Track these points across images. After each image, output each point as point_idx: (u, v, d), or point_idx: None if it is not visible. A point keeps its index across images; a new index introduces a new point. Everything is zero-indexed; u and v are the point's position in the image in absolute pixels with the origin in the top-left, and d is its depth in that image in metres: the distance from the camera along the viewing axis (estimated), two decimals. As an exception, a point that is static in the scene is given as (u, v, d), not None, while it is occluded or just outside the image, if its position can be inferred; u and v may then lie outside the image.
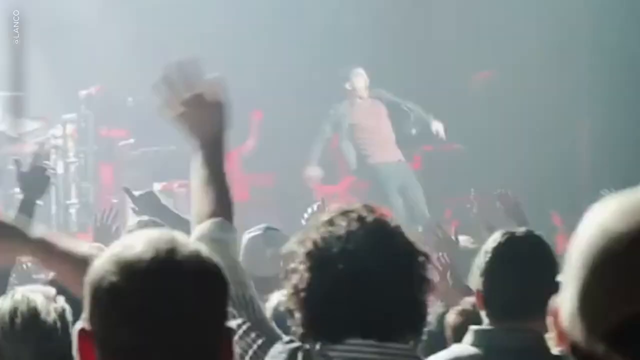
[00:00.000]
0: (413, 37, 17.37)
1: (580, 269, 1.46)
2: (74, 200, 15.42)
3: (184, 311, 2.07)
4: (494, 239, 4.00)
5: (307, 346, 3.03)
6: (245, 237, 6.84)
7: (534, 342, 3.63)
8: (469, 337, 3.73)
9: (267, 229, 7.18)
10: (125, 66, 16.91)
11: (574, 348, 1.47)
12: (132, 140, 16.36)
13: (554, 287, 3.40)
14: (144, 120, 16.00)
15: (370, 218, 2.90)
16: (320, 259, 2.94)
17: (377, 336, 2.91)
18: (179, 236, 2.19)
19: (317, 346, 3.00)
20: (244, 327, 3.18)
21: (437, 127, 14.79)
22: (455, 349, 3.81)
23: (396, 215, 12.58)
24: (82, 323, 2.16)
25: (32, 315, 3.69)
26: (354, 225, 2.87)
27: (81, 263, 3.00)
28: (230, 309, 2.47)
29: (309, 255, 2.94)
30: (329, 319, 2.98)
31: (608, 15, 17.07)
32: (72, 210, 15.36)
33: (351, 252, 2.89)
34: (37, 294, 3.83)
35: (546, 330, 3.49)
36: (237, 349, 2.88)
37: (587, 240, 1.48)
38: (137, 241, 2.12)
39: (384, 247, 2.90)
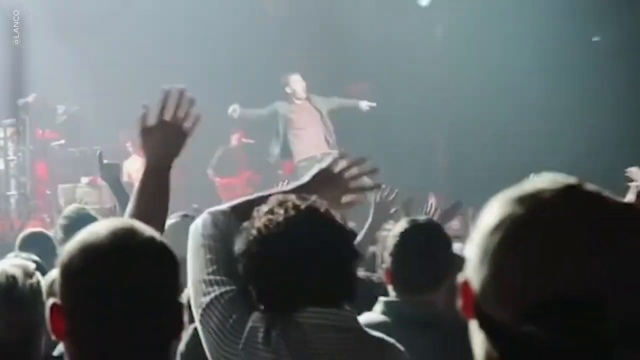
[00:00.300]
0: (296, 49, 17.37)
1: (493, 249, 1.49)
2: (13, 191, 15.82)
3: (138, 287, 2.15)
4: (401, 225, 4.18)
5: (281, 315, 3.12)
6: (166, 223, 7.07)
7: (431, 311, 3.81)
8: (378, 307, 3.87)
9: (184, 216, 7.18)
10: (57, 79, 17.23)
11: (484, 319, 1.51)
12: (62, 141, 16.56)
13: (449, 267, 3.72)
14: (73, 124, 17.14)
15: (304, 205, 3.01)
16: (265, 242, 3.04)
17: (326, 304, 3.04)
18: (137, 224, 2.29)
19: (285, 315, 3.10)
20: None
21: (364, 105, 15.14)
22: (367, 316, 3.84)
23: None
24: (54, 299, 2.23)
25: (9, 288, 3.51)
26: (291, 212, 2.98)
27: None
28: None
29: (255, 240, 3.06)
30: (280, 292, 3.08)
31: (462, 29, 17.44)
32: (12, 200, 15.71)
33: (291, 234, 3.01)
34: (16, 267, 3.67)
35: (441, 302, 3.80)
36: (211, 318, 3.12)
37: (497, 224, 1.51)
38: (101, 227, 2.21)
39: (319, 228, 3.00)
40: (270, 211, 3.02)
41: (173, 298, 2.21)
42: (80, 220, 6.53)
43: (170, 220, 6.41)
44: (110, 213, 9.75)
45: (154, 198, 3.55)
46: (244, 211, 3.25)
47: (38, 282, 3.46)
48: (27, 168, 16.11)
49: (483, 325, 1.50)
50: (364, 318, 3.68)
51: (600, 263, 1.43)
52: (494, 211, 1.53)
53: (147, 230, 2.24)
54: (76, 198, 13.60)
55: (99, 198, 14.88)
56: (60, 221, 6.93)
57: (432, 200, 10.03)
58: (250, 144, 16.43)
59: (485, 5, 17.43)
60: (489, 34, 16.48)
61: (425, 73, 16.77)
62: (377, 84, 17.55)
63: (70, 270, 2.16)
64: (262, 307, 3.13)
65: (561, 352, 1.39)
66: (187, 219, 6.60)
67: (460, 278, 1.55)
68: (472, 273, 1.52)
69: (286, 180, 11.50)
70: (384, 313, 3.78)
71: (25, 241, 7.04)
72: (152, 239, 2.22)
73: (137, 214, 3.41)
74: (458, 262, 3.96)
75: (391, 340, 3.15)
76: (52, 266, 4.54)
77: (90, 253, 2.13)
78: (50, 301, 2.18)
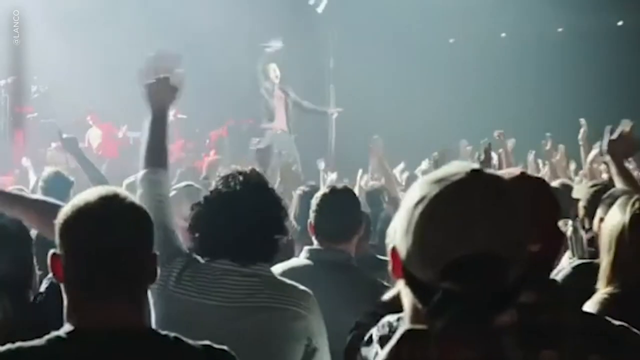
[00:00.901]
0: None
1: (415, 222, 1.49)
2: None
3: (119, 241, 2.14)
4: (323, 189, 4.26)
5: (199, 258, 3.11)
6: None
7: (344, 257, 3.80)
8: (303, 254, 3.83)
9: (187, 185, 6.68)
10: (33, 63, 16.27)
11: (410, 279, 1.51)
12: (35, 114, 16.17)
13: (358, 223, 3.88)
14: (44, 101, 16.48)
15: (253, 180, 3.02)
16: (210, 202, 3.09)
17: (243, 259, 3.01)
18: (121, 191, 2.26)
19: (204, 260, 3.08)
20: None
21: (333, 110, 14.92)
22: (294, 261, 3.84)
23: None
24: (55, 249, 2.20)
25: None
26: (238, 180, 2.99)
27: (36, 206, 3.24)
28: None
29: (205, 198, 3.12)
30: (207, 242, 3.08)
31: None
32: None
33: (230, 200, 3.02)
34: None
35: (352, 250, 3.86)
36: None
37: (417, 201, 1.51)
38: (91, 193, 2.20)
39: (256, 196, 2.99)
40: (225, 178, 3.04)
41: (148, 250, 2.18)
42: (55, 181, 6.51)
43: (173, 191, 6.38)
44: (73, 172, 9.66)
45: (161, 133, 3.49)
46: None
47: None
48: (8, 136, 15.76)
49: (409, 284, 1.51)
50: (291, 262, 3.78)
51: (498, 230, 1.45)
52: (415, 191, 1.53)
53: (128, 196, 2.22)
54: (47, 160, 13.01)
55: (65, 160, 14.45)
56: (40, 184, 6.68)
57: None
58: (183, 118, 15.75)
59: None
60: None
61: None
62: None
63: (65, 227, 2.14)
64: (195, 249, 3.13)
65: (472, 301, 1.39)
66: (190, 187, 6.40)
67: (389, 246, 1.56)
68: (399, 241, 1.52)
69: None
70: (307, 258, 3.76)
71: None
72: (132, 203, 2.20)
73: (152, 145, 3.43)
74: (365, 219, 4.29)
75: (293, 283, 3.12)
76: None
77: (81, 213, 2.13)
78: (51, 251, 2.17)
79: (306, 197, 4.97)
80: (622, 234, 2.91)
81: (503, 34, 17.19)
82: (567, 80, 15.20)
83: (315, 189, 5.18)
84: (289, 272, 3.45)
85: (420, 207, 1.50)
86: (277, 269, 3.44)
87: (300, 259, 3.82)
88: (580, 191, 4.70)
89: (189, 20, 15.44)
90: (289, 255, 4.03)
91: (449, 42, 17.60)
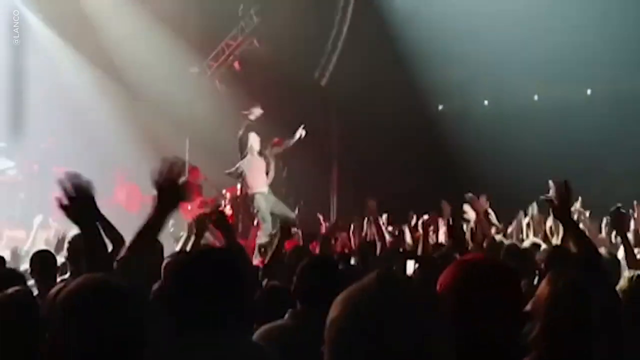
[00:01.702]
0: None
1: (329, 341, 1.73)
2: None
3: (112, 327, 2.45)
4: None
5: None
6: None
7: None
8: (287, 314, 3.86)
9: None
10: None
11: None
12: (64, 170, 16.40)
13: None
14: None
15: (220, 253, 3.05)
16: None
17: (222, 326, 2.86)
18: (113, 280, 2.55)
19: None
20: None
21: (299, 133, 14.38)
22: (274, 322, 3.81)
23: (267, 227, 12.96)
24: None
25: None
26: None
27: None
28: None
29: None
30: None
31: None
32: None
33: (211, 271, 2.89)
34: None
35: None
36: None
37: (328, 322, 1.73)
38: (85, 282, 2.50)
39: (228, 271, 2.87)
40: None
41: (140, 332, 2.53)
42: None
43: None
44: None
45: (154, 234, 3.38)
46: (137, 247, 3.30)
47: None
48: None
49: None
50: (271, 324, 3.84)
51: (398, 340, 1.67)
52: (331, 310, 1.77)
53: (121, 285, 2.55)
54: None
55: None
56: (67, 245, 6.43)
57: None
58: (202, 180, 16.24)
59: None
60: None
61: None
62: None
63: (67, 310, 2.49)
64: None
65: None
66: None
67: None
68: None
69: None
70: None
71: None
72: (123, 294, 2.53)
73: (136, 246, 3.32)
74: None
75: (260, 344, 3.28)
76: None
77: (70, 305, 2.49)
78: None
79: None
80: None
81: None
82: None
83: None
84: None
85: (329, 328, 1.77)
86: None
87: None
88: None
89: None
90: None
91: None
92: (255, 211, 13.86)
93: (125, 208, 16.21)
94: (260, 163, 14.05)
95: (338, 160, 17.73)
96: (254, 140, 14.05)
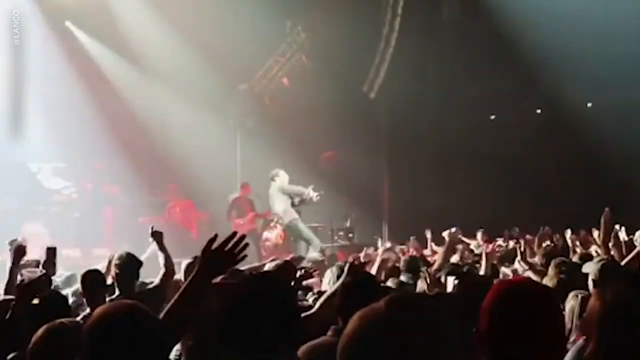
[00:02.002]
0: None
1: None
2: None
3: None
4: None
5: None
6: (183, 263, 7.25)
7: None
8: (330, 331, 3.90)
9: (196, 257, 6.38)
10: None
11: None
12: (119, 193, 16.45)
13: None
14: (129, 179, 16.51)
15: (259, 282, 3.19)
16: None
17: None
18: (137, 308, 2.59)
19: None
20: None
21: (311, 194, 14.01)
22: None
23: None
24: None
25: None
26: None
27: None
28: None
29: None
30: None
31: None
32: None
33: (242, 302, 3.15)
34: None
35: None
36: None
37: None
38: (109, 312, 2.60)
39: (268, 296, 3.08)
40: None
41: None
42: (128, 261, 6.69)
43: (186, 261, 7.14)
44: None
45: (196, 300, 3.27)
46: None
47: None
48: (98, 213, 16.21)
49: None
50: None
51: None
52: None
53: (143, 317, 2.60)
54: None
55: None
56: (115, 262, 6.81)
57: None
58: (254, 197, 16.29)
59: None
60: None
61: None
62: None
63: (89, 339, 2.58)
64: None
65: None
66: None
67: None
68: None
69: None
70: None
71: None
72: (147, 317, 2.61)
73: (178, 309, 3.22)
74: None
75: None
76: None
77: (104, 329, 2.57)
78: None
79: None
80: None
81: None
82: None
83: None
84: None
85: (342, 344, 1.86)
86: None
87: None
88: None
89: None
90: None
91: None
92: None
93: (181, 225, 16.41)
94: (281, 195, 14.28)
95: (388, 173, 17.57)
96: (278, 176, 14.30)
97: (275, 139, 16.53)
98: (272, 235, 16.12)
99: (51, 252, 6.91)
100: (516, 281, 2.53)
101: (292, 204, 14.28)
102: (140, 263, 6.91)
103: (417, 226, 13.56)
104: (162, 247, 7.22)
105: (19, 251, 6.49)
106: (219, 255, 3.27)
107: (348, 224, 15.82)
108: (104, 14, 16.83)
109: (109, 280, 6.63)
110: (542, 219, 11.32)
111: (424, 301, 1.88)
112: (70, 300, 6.36)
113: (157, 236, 7.29)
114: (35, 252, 13.10)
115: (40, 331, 3.44)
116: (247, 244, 3.32)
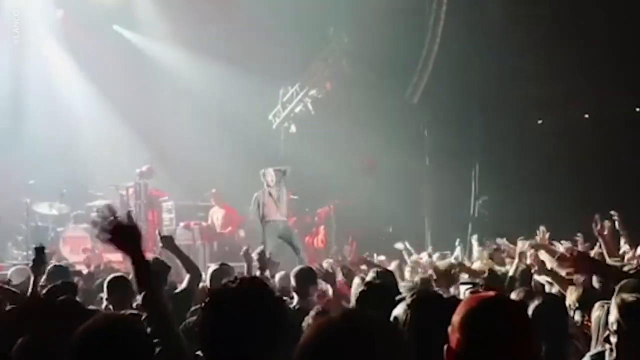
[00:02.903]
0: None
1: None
2: None
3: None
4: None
5: None
6: (209, 269, 7.30)
7: None
8: None
9: (222, 264, 7.34)
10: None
11: None
12: (166, 197, 16.79)
13: None
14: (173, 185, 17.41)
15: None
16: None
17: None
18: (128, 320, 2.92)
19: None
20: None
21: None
22: None
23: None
24: None
25: None
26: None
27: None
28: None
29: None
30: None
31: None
32: None
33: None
34: None
35: None
36: None
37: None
38: (104, 321, 2.89)
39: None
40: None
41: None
42: (155, 266, 6.12)
43: (212, 268, 7.21)
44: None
45: (141, 276, 3.42)
46: None
47: None
48: (142, 215, 16.15)
49: None
50: None
51: None
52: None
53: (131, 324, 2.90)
54: (176, 236, 13.94)
55: (191, 237, 16.05)
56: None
57: None
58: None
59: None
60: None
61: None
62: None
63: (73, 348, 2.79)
64: None
65: None
66: (225, 266, 7.14)
67: None
68: None
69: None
70: None
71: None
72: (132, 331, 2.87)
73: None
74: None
75: None
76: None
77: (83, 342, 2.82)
78: None
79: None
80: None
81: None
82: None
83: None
84: None
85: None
86: None
87: None
88: None
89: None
90: None
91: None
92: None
93: (222, 229, 16.71)
94: (276, 193, 14.19)
95: (430, 178, 17.39)
96: (270, 176, 14.24)
97: (318, 144, 16.71)
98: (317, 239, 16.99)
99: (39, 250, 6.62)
100: (488, 296, 2.44)
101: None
102: (168, 268, 6.89)
103: (459, 232, 13.47)
104: (175, 251, 7.16)
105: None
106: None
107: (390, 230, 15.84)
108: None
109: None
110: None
111: (374, 317, 1.93)
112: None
113: (166, 241, 7.26)
114: (78, 255, 13.85)
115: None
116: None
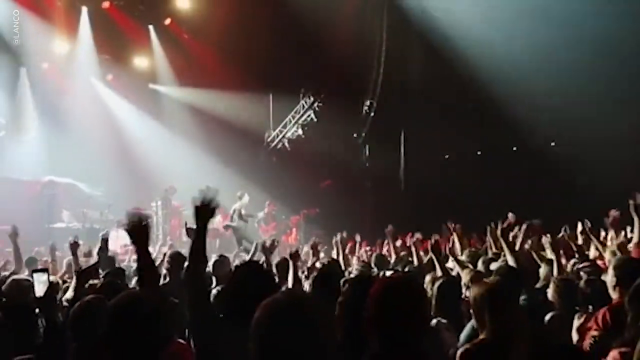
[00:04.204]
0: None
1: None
2: (160, 233, 17.72)
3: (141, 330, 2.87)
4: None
5: None
6: (212, 259, 7.19)
7: None
8: None
9: (220, 255, 7.56)
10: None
11: None
12: (183, 207, 18.45)
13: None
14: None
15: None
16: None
17: None
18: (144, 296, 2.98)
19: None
20: None
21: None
22: None
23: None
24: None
25: None
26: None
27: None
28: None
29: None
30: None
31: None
32: (160, 236, 16.88)
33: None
34: None
35: None
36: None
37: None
38: (132, 297, 2.97)
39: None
40: None
41: (160, 332, 2.98)
42: (175, 258, 7.18)
43: (213, 258, 7.41)
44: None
45: (199, 248, 3.75)
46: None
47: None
48: (167, 222, 18.77)
49: None
50: None
51: (299, 340, 2.10)
52: None
53: (149, 297, 3.04)
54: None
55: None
56: (167, 259, 7.35)
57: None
58: (275, 210, 19.52)
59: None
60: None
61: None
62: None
63: (107, 319, 2.99)
64: None
65: None
66: (223, 257, 7.58)
67: None
68: None
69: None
70: None
71: None
72: (149, 304, 2.98)
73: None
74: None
75: None
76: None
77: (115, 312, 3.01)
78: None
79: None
80: None
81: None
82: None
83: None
84: None
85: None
86: None
87: None
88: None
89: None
90: None
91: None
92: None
93: (221, 230, 18.98)
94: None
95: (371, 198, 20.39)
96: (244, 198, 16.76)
97: (290, 171, 19.67)
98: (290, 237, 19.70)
99: (74, 246, 7.81)
100: (395, 276, 2.78)
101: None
102: (184, 258, 6.66)
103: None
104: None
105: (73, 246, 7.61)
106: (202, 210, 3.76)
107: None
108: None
109: (163, 271, 7.32)
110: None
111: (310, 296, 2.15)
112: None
113: (191, 232, 7.86)
114: (120, 250, 15.09)
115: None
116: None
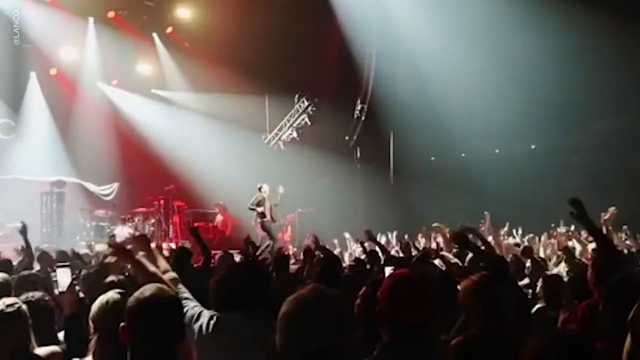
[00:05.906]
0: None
1: (280, 327, 2.00)
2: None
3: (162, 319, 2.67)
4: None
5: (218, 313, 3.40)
6: (218, 255, 7.63)
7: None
8: None
9: (225, 251, 7.90)
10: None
11: None
12: (185, 206, 18.93)
13: None
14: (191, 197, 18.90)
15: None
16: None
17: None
18: (165, 288, 2.74)
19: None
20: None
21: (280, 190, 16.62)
22: None
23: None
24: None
25: None
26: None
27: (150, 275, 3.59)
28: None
29: None
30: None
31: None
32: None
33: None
34: None
35: None
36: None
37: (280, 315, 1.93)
38: (147, 288, 2.72)
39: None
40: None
41: (180, 324, 2.82)
42: (180, 253, 7.58)
43: (220, 252, 8.02)
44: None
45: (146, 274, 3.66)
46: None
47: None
48: (169, 220, 18.88)
49: None
50: None
51: (326, 334, 2.04)
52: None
53: (169, 291, 2.83)
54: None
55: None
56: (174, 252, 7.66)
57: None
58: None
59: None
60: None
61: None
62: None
63: (130, 310, 2.76)
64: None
65: None
66: (227, 253, 7.91)
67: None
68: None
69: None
70: None
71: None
72: (170, 295, 2.82)
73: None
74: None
75: None
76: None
77: (140, 303, 2.75)
78: (121, 324, 2.70)
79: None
80: None
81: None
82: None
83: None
84: None
85: (280, 320, 2.04)
86: None
87: None
88: None
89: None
90: None
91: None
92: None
93: (221, 228, 19.64)
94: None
95: (362, 195, 20.79)
96: (264, 187, 16.90)
97: (289, 169, 19.62)
98: (285, 235, 19.74)
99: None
100: (404, 272, 2.74)
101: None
102: (191, 253, 7.77)
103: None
104: (199, 240, 7.66)
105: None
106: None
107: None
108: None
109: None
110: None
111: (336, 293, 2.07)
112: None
113: (195, 232, 8.09)
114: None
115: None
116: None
